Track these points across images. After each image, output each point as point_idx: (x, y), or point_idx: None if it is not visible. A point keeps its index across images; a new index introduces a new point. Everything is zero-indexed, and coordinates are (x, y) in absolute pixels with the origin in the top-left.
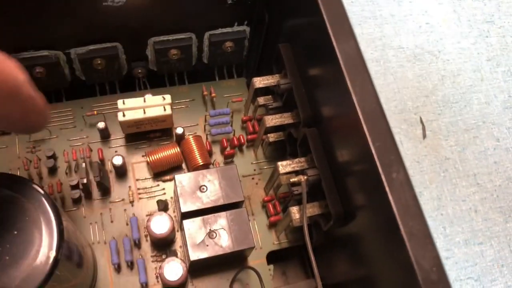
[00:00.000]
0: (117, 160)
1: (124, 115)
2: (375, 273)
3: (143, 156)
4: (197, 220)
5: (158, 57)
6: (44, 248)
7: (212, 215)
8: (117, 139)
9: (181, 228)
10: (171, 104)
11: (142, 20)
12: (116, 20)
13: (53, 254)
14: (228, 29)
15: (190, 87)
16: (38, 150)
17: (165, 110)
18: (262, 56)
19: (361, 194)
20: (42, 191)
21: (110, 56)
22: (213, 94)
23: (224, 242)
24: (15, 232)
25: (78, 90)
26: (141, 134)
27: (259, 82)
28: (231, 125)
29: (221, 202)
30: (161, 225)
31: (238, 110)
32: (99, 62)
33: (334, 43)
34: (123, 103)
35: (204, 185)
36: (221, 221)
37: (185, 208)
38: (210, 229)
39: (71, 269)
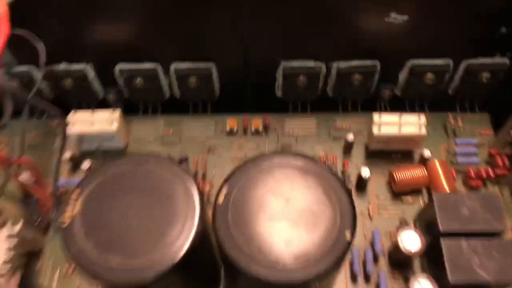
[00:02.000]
0: (365, 172)
1: (379, 129)
2: None
3: (383, 174)
4: (457, 240)
5: (411, 80)
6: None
7: (474, 239)
8: (357, 154)
9: (435, 248)
10: (427, 125)
11: (402, 39)
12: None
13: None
14: (488, 60)
15: (431, 115)
16: None
17: (420, 130)
18: None
19: None
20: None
21: (368, 73)
22: (460, 124)
23: (487, 271)
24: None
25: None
26: (384, 153)
27: None
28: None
29: (482, 228)
30: (412, 241)
31: (481, 144)
32: (357, 77)
33: None
34: (379, 117)
35: (463, 207)
36: (483, 246)
37: (444, 226)
38: (471, 252)
39: None
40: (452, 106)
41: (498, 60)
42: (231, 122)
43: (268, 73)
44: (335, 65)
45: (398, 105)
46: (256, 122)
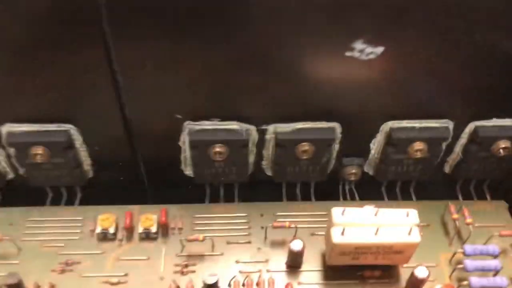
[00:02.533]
0: None
1: (343, 234)
2: None
3: None
4: None
5: (390, 152)
6: None
7: None
8: (310, 271)
9: None
10: (420, 227)
11: (377, 95)
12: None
13: None
14: (508, 121)
15: (420, 205)
16: (190, 272)
17: (410, 234)
18: None
19: None
20: None
21: (322, 141)
22: (468, 220)
23: None
24: None
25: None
26: (351, 270)
27: None
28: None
29: None
30: None
31: (504, 249)
32: (306, 148)
33: None
34: (342, 213)
35: None
36: None
37: None
38: None
39: None
40: (449, 191)
41: None
42: (105, 219)
43: (163, 142)
44: (271, 130)
45: (370, 190)
46: (147, 218)
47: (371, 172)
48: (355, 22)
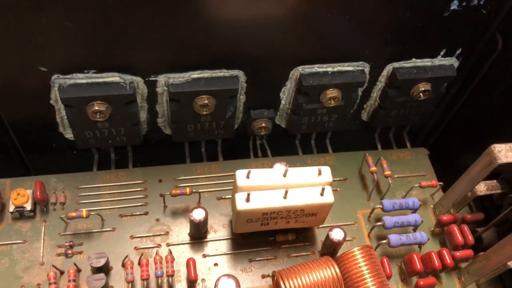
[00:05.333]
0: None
1: (248, 199)
2: None
3: (264, 277)
4: None
5: (300, 100)
6: None
7: None
8: (216, 240)
9: None
10: (332, 184)
11: (286, 37)
12: (241, 31)
13: None
14: (427, 62)
15: (337, 157)
16: (77, 253)
17: (322, 195)
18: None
19: None
20: None
21: (223, 93)
22: (386, 172)
23: None
24: None
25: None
26: (262, 236)
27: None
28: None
29: None
30: None
31: (424, 200)
32: (206, 102)
33: None
34: (247, 176)
35: None
36: None
37: None
38: None
39: None
40: (368, 140)
41: (442, 62)
42: None
43: (36, 101)
44: (162, 81)
45: (283, 144)
46: (18, 194)
47: (283, 125)
48: None
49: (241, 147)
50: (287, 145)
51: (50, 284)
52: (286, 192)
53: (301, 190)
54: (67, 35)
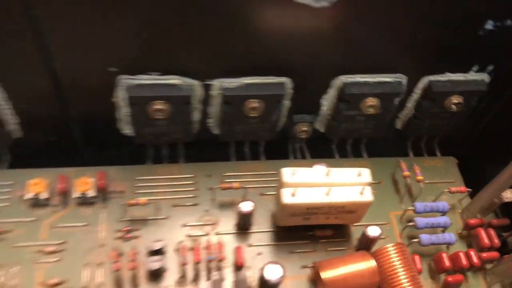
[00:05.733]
0: (274, 273)
1: (293, 194)
2: None
3: (303, 267)
4: None
5: (341, 108)
6: None
7: None
8: (260, 232)
9: None
10: (371, 185)
11: (329, 48)
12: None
13: None
14: (460, 76)
15: (371, 162)
16: (134, 237)
17: (362, 194)
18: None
19: None
20: None
21: (271, 97)
22: (418, 177)
23: None
24: None
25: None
26: (302, 230)
27: None
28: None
29: None
30: None
31: (453, 205)
32: (255, 105)
33: None
34: (293, 173)
35: None
36: None
37: None
38: None
39: None
40: (400, 148)
41: (474, 77)
42: (35, 184)
43: (102, 97)
44: (216, 85)
45: (321, 148)
46: (83, 183)
47: (322, 130)
48: None
49: (281, 148)
50: (324, 149)
51: (113, 262)
52: (329, 189)
53: (343, 188)
54: (136, 42)
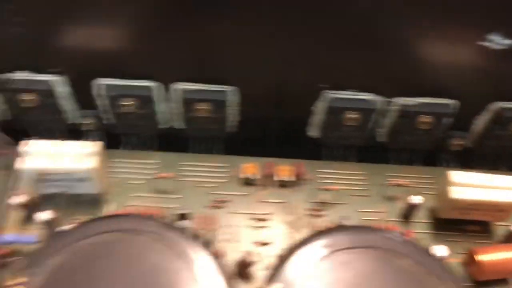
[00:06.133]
0: (441, 251)
1: (459, 192)
2: None
3: (459, 253)
4: None
5: (494, 129)
6: None
7: None
8: (419, 222)
9: None
10: None
11: (495, 78)
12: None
13: None
14: None
15: None
16: (322, 216)
17: None
18: None
19: None
20: None
21: (440, 115)
22: None
23: None
24: None
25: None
26: (455, 223)
27: None
28: None
29: None
30: None
31: None
32: (426, 121)
33: None
34: (459, 175)
35: None
36: None
37: None
38: None
39: None
40: None
41: None
42: (249, 167)
43: (302, 105)
44: (397, 102)
45: (468, 161)
46: (284, 169)
47: (471, 145)
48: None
49: (434, 158)
50: (472, 162)
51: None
52: (490, 190)
53: (502, 190)
54: (342, 64)
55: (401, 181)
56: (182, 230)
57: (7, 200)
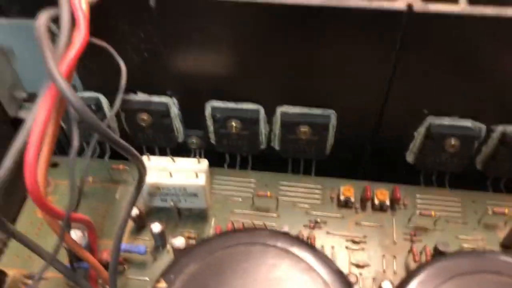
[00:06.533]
0: None
1: None
2: None
3: None
4: None
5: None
6: None
7: None
8: None
9: None
10: None
11: None
12: None
13: None
14: None
15: None
16: (418, 240)
17: None
18: None
19: None
20: None
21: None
22: None
23: None
24: None
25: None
26: None
27: None
28: None
29: None
30: None
31: None
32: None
33: None
34: None
35: None
36: None
37: None
38: None
39: None
40: None
41: None
42: (347, 190)
43: (402, 131)
44: (499, 130)
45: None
46: (382, 193)
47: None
48: None
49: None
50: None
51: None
52: None
53: None
54: (447, 92)
55: (506, 210)
56: (311, 247)
57: (131, 211)
